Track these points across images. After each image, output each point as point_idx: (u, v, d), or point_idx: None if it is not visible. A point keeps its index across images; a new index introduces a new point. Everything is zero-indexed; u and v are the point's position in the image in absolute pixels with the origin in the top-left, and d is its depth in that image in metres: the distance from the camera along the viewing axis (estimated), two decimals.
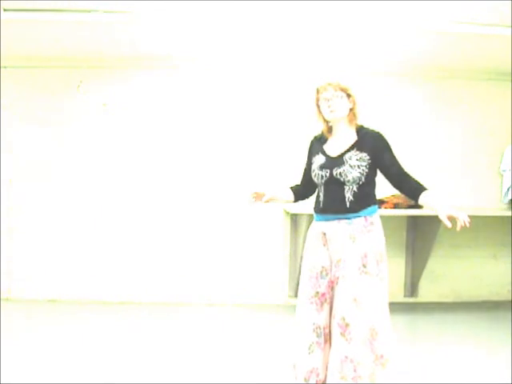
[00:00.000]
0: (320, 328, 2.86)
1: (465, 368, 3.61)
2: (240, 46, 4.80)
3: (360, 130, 2.95)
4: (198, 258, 5.18)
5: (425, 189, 2.87)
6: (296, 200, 3.14)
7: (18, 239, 5.12)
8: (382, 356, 2.78)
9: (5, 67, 5.02)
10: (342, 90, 2.93)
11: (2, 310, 4.56)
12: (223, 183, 5.17)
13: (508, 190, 5.22)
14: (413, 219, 5.24)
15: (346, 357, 2.77)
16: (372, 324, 2.79)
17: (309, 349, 2.86)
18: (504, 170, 5.29)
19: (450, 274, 5.36)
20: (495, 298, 5.37)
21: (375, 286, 2.81)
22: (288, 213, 5.04)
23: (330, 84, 2.94)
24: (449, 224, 2.70)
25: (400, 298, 5.27)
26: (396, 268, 5.18)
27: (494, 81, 5.35)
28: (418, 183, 2.90)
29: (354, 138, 2.93)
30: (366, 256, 2.82)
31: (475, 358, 3.80)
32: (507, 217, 5.03)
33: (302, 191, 3.12)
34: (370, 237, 2.85)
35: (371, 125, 3.01)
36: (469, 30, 4.13)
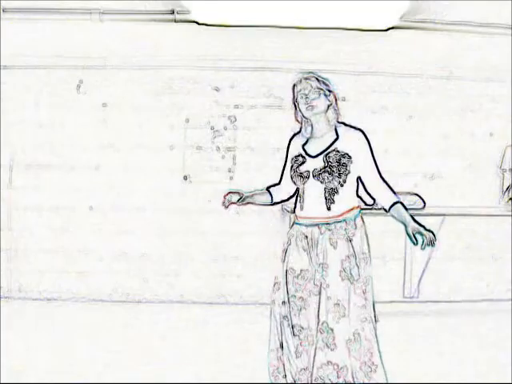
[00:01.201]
0: (303, 328, 2.83)
1: (465, 368, 3.61)
2: None
3: (340, 128, 2.85)
4: (198, 257, 5.18)
5: (397, 201, 2.81)
6: (274, 202, 3.02)
7: (18, 239, 5.11)
8: (368, 362, 2.75)
9: (5, 67, 5.02)
10: (321, 84, 2.83)
11: (1, 310, 4.56)
12: (222, 183, 5.16)
13: (508, 189, 5.22)
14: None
15: (329, 362, 2.74)
16: (355, 329, 2.75)
17: (296, 352, 2.83)
18: (504, 170, 5.29)
19: (450, 273, 5.36)
20: (495, 297, 5.37)
21: (358, 290, 2.76)
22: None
23: (307, 79, 2.85)
24: (414, 241, 2.68)
25: (400, 297, 5.26)
26: (396, 268, 5.18)
27: (494, 81, 5.35)
28: (392, 193, 2.82)
29: (333, 136, 2.84)
30: (348, 261, 2.77)
31: (475, 357, 3.79)
32: (507, 217, 5.03)
33: (280, 193, 3.00)
34: (353, 241, 2.80)
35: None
36: (469, 30, 4.13)
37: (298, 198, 2.88)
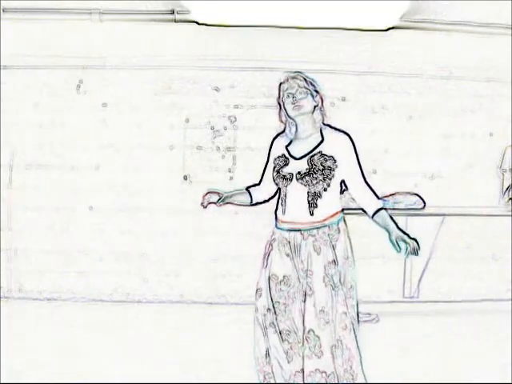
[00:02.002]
0: (290, 332, 2.78)
1: (464, 368, 3.61)
2: None
3: (326, 130, 2.79)
4: (198, 257, 5.18)
5: (381, 208, 2.74)
6: (253, 203, 2.96)
7: (18, 239, 5.11)
8: (349, 369, 2.72)
9: (5, 67, 5.02)
10: (309, 84, 2.76)
11: (1, 310, 4.55)
12: (222, 183, 5.16)
13: (508, 189, 5.22)
14: (412, 219, 5.23)
15: (317, 369, 2.72)
16: (339, 336, 2.72)
17: (287, 357, 2.79)
18: (504, 170, 5.29)
19: (450, 273, 5.36)
20: (495, 297, 5.36)
21: (340, 297, 2.72)
22: None
23: (295, 78, 2.78)
24: (397, 249, 2.65)
25: (400, 297, 5.26)
26: (396, 268, 5.18)
27: (494, 81, 5.35)
28: (376, 199, 2.75)
29: (318, 138, 2.77)
30: (330, 267, 2.72)
31: (475, 357, 3.79)
32: (507, 217, 5.03)
33: (260, 193, 2.95)
34: (336, 246, 2.74)
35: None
36: (469, 30, 4.14)
37: (280, 201, 2.81)
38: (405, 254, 2.64)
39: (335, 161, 2.73)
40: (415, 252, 2.65)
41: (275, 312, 2.76)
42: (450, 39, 4.38)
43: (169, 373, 3.42)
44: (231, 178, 5.20)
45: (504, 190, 5.28)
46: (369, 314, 4.55)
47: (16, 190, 5.11)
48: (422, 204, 4.74)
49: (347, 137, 2.79)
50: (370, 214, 2.77)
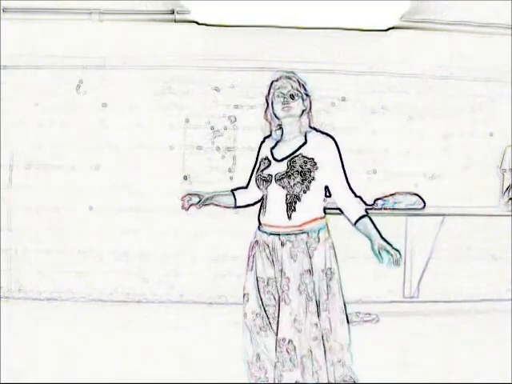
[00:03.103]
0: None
1: (464, 368, 3.61)
2: None
3: (311, 133, 2.73)
4: (198, 257, 5.18)
5: (364, 214, 2.66)
6: (237, 205, 2.88)
7: (18, 239, 5.11)
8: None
9: (5, 67, 5.02)
10: (301, 87, 2.70)
11: (1, 310, 4.56)
12: (222, 183, 5.16)
13: (508, 189, 5.22)
14: (412, 219, 5.23)
15: (297, 382, 2.67)
16: (309, 346, 2.65)
17: (283, 363, 2.74)
18: (504, 170, 5.30)
19: (450, 273, 5.36)
20: (495, 297, 5.37)
21: (312, 308, 2.65)
22: None
23: (289, 78, 2.74)
24: (379, 259, 2.59)
25: (400, 297, 5.26)
26: (396, 268, 5.17)
27: (494, 81, 5.35)
28: (360, 205, 2.67)
29: (302, 140, 2.71)
30: (307, 276, 2.65)
31: (475, 357, 3.79)
32: (507, 217, 5.03)
33: (244, 196, 2.87)
34: (313, 257, 2.66)
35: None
36: (469, 30, 4.14)
37: (262, 204, 2.76)
38: (387, 264, 2.59)
39: (315, 163, 2.65)
40: (397, 263, 2.60)
41: (267, 316, 2.70)
42: (450, 39, 4.38)
43: (169, 373, 3.43)
44: (231, 178, 5.20)
45: (504, 190, 5.28)
46: (369, 313, 4.55)
47: (16, 190, 5.11)
48: (422, 204, 4.74)
49: (331, 140, 2.70)
50: (353, 221, 2.66)
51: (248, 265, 2.82)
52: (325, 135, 2.74)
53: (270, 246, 2.71)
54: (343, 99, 5.05)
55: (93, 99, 5.14)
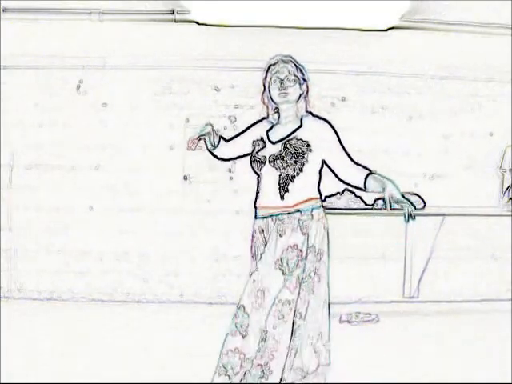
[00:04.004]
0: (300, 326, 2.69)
1: (465, 368, 3.61)
2: None
3: (307, 117, 2.73)
4: (198, 257, 5.18)
5: (370, 172, 2.64)
6: (213, 151, 2.94)
7: (18, 239, 5.12)
8: (265, 365, 2.60)
9: (5, 67, 5.02)
10: (298, 71, 2.70)
11: (1, 310, 4.56)
12: (222, 183, 5.17)
13: (508, 189, 5.22)
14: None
15: (236, 348, 2.64)
16: (266, 325, 2.61)
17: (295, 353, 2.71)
18: (504, 170, 5.30)
19: (450, 273, 5.36)
20: (495, 297, 5.37)
21: (289, 284, 2.59)
22: None
23: (286, 62, 2.71)
24: (388, 206, 2.55)
25: (400, 297, 5.27)
26: (396, 268, 5.18)
27: (494, 81, 5.35)
28: (363, 169, 2.63)
29: (297, 124, 2.73)
30: (290, 251, 2.62)
31: (475, 357, 3.79)
32: (507, 217, 5.03)
33: (223, 147, 2.91)
34: (309, 235, 2.63)
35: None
36: (469, 30, 4.14)
37: (257, 189, 2.77)
38: (404, 219, 2.57)
39: (309, 145, 2.66)
40: (411, 217, 2.56)
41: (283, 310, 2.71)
42: (450, 39, 4.38)
43: (169, 373, 3.42)
44: (231, 178, 5.20)
45: (504, 190, 5.29)
46: (369, 313, 4.55)
47: (16, 190, 5.11)
48: (422, 204, 4.74)
49: (327, 124, 2.71)
50: (361, 182, 2.63)
51: (252, 253, 2.82)
52: (320, 119, 2.75)
53: (265, 228, 2.72)
54: (343, 99, 5.05)
55: (93, 99, 5.14)
